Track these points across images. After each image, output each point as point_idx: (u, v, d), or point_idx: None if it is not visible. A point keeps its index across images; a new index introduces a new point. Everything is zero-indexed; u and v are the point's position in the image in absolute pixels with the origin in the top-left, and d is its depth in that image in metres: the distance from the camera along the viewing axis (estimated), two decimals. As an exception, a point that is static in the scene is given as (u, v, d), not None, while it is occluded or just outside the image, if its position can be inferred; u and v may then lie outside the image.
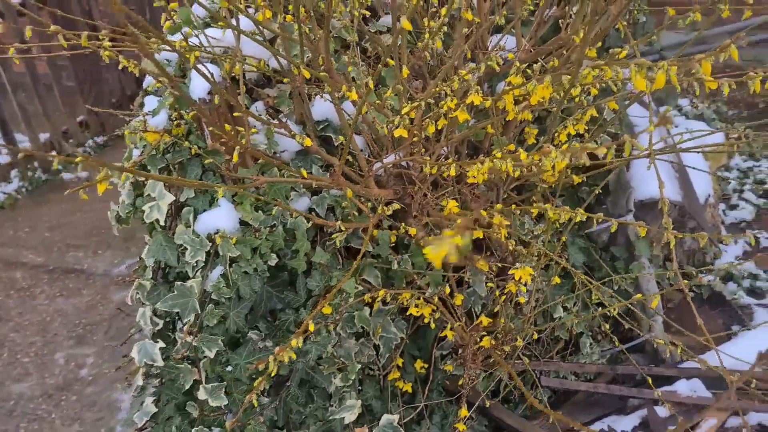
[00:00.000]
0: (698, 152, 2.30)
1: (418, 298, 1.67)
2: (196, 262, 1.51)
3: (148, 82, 1.72)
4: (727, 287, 2.88)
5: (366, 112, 1.51)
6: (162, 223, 1.52)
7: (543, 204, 1.99)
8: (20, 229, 4.43)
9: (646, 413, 2.13)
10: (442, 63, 1.75)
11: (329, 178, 1.40)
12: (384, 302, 1.82)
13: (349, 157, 1.71)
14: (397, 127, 1.39)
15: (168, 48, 1.49)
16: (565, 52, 1.59)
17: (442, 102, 1.40)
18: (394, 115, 1.47)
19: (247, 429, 1.45)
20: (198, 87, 1.49)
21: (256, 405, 1.39)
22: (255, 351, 1.54)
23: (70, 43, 1.29)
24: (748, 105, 4.21)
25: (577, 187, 2.26)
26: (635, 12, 2.42)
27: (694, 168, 2.29)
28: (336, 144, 1.67)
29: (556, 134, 1.74)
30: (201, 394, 1.51)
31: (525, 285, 1.65)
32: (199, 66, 1.33)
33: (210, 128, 1.45)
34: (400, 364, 1.87)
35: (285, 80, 1.45)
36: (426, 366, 1.92)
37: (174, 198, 1.54)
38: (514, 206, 1.63)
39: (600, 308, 2.33)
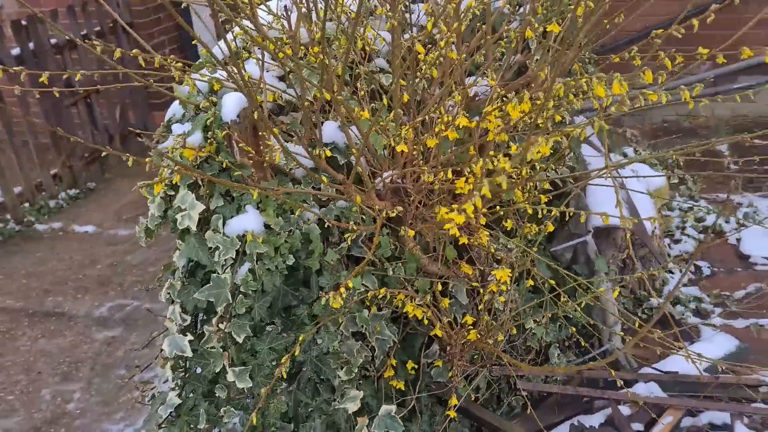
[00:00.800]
0: (644, 193, 2.64)
1: (412, 299, 1.92)
2: (225, 260, 1.74)
3: (171, 113, 1.97)
4: (676, 309, 3.20)
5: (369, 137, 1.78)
6: (194, 229, 1.76)
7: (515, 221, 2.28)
8: (-4, 276, 4.49)
9: (611, 412, 2.38)
10: (428, 97, 2.05)
11: (342, 187, 1.66)
12: (379, 308, 2.06)
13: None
14: (398, 144, 1.66)
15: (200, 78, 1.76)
16: (532, 85, 1.91)
17: (436, 122, 1.68)
18: (393, 137, 1.75)
19: (270, 407, 1.65)
20: (229, 111, 1.76)
21: (284, 376, 1.58)
22: (276, 338, 1.76)
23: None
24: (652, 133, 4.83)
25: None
26: (587, 62, 2.78)
27: (640, 192, 2.62)
28: (341, 163, 1.94)
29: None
30: (230, 377, 1.72)
31: (504, 284, 1.90)
32: (232, 93, 1.61)
33: (240, 145, 1.70)
34: (393, 364, 2.09)
35: (302, 105, 1.71)
36: (416, 366, 2.15)
37: (204, 207, 1.78)
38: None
39: (566, 321, 2.60)
